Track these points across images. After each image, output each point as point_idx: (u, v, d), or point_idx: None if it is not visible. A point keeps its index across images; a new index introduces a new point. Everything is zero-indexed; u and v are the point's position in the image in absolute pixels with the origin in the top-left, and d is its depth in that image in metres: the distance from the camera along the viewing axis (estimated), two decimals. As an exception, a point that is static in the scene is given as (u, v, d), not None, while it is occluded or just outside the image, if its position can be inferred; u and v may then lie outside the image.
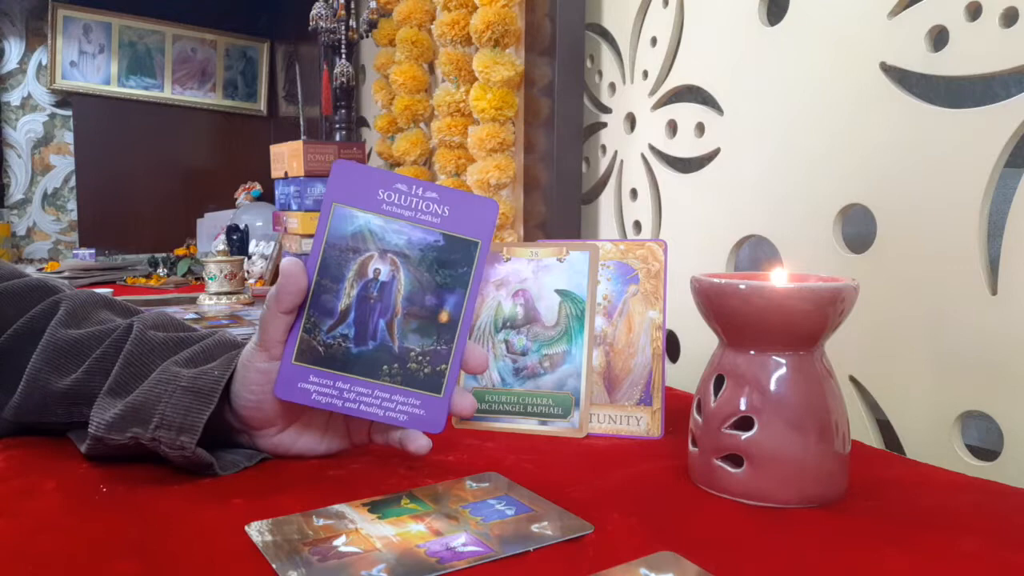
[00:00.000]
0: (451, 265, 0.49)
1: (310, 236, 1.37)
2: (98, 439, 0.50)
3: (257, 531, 0.42)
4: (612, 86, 1.07)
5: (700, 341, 0.89)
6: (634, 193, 1.03)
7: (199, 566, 0.38)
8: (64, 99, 2.65)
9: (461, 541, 0.41)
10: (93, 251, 2.22)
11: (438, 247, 0.49)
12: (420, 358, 0.49)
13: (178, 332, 0.58)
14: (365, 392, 0.49)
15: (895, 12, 0.67)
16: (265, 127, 2.86)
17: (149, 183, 2.71)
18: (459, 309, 0.49)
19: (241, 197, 2.27)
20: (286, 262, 0.48)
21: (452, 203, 0.49)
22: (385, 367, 0.49)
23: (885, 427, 0.69)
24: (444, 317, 0.49)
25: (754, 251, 0.88)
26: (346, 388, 0.49)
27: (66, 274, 1.84)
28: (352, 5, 1.76)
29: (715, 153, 0.88)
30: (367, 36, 1.67)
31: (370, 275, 0.49)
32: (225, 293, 1.45)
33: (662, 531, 0.43)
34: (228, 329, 0.98)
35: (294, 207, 1.43)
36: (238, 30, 2.84)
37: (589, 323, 0.64)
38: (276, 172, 1.53)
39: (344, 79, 1.75)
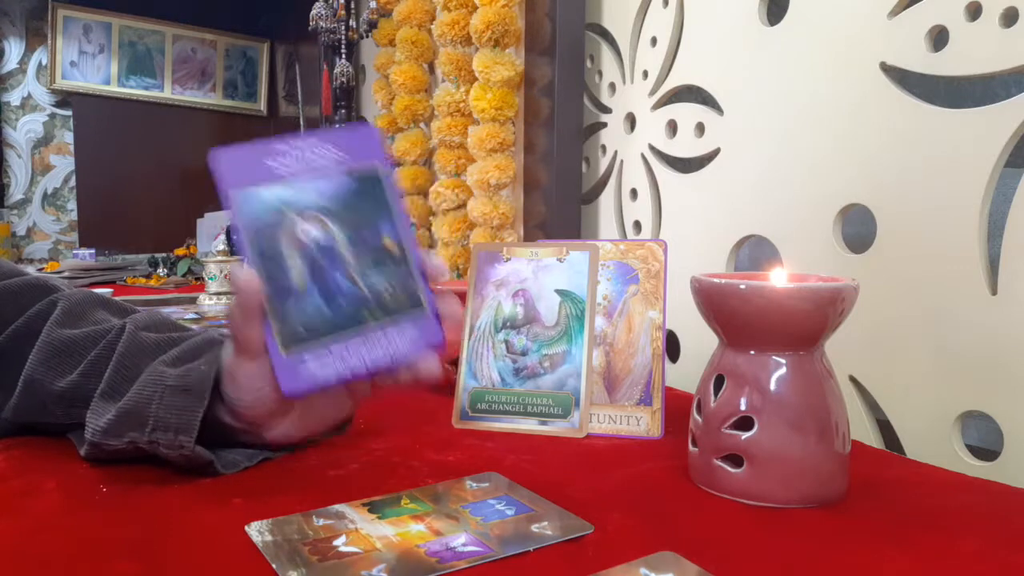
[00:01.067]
0: (365, 195, 0.50)
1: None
2: (95, 444, 0.50)
3: (257, 531, 0.41)
4: (612, 86, 1.07)
5: (700, 341, 0.89)
6: (634, 193, 1.03)
7: (199, 566, 0.38)
8: (64, 99, 2.65)
9: (461, 541, 0.41)
10: (93, 251, 2.22)
11: (346, 185, 0.50)
12: (390, 287, 0.50)
13: (170, 332, 0.57)
14: (361, 343, 0.48)
15: (895, 12, 0.67)
16: (265, 127, 2.86)
17: (149, 183, 2.71)
18: (395, 229, 0.50)
19: (241, 197, 2.27)
20: (236, 273, 0.47)
21: (333, 141, 0.50)
22: (365, 312, 0.49)
23: (885, 427, 0.69)
24: (388, 243, 0.50)
25: (754, 251, 0.88)
26: (343, 349, 0.48)
27: (66, 274, 1.84)
28: (352, 5, 1.77)
29: (715, 153, 0.88)
30: (367, 36, 1.67)
31: (304, 240, 0.48)
32: (225, 293, 1.45)
33: (662, 531, 0.43)
34: (227, 329, 0.98)
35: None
36: (238, 30, 2.84)
37: (589, 323, 0.64)
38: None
39: (344, 79, 1.76)
